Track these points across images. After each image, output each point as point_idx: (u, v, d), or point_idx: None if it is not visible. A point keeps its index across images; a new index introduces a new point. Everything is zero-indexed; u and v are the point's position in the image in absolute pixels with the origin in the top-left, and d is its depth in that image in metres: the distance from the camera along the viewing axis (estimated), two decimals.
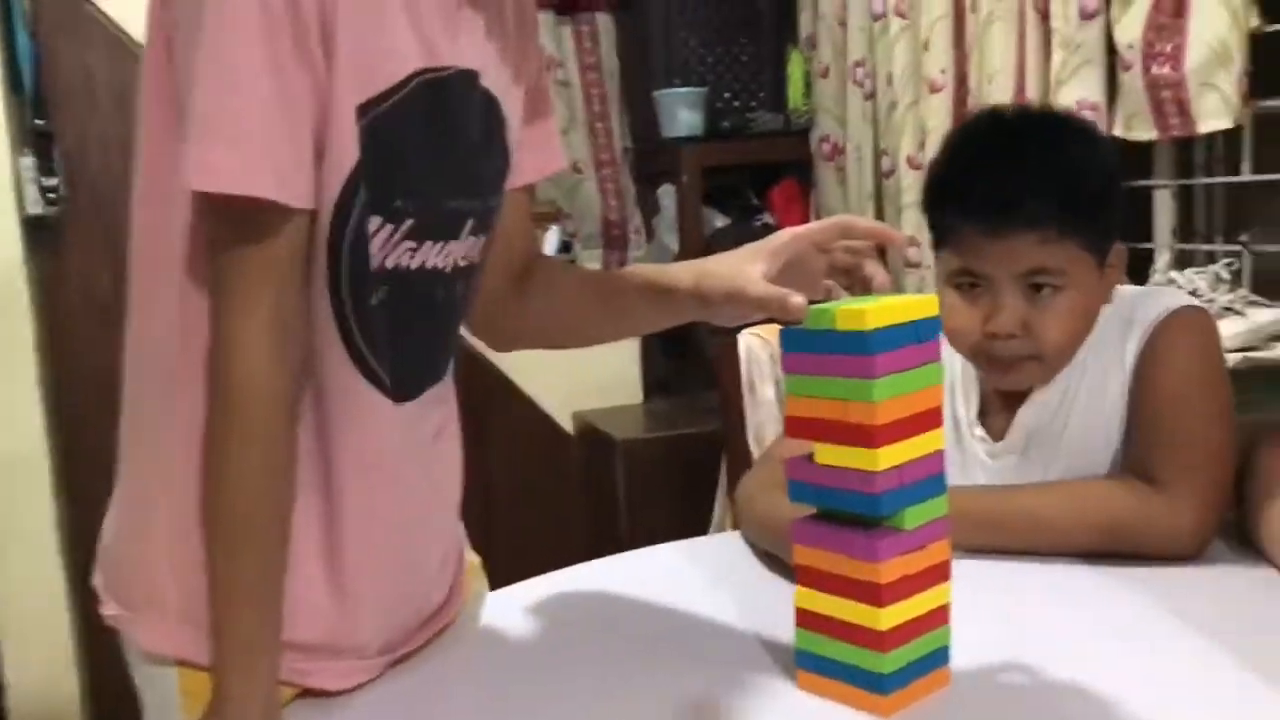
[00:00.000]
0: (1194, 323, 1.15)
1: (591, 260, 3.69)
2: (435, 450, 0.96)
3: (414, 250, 0.87)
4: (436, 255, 0.89)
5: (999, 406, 1.25)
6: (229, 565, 0.80)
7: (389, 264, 0.85)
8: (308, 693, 0.89)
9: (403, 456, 0.91)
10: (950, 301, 1.17)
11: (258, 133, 0.76)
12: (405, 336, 0.89)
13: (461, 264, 0.92)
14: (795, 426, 0.84)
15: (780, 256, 0.89)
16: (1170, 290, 1.28)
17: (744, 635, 0.98)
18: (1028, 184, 1.11)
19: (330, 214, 0.82)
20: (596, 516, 2.81)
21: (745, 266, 0.88)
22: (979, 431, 1.25)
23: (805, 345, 0.83)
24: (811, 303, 0.83)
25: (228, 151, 0.76)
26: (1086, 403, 1.19)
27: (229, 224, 0.78)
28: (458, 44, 0.88)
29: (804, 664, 0.86)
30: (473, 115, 0.91)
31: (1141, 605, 0.99)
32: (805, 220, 3.42)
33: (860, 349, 0.79)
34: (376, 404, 0.88)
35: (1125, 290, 1.21)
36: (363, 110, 0.81)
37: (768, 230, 3.66)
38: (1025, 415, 1.22)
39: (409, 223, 0.85)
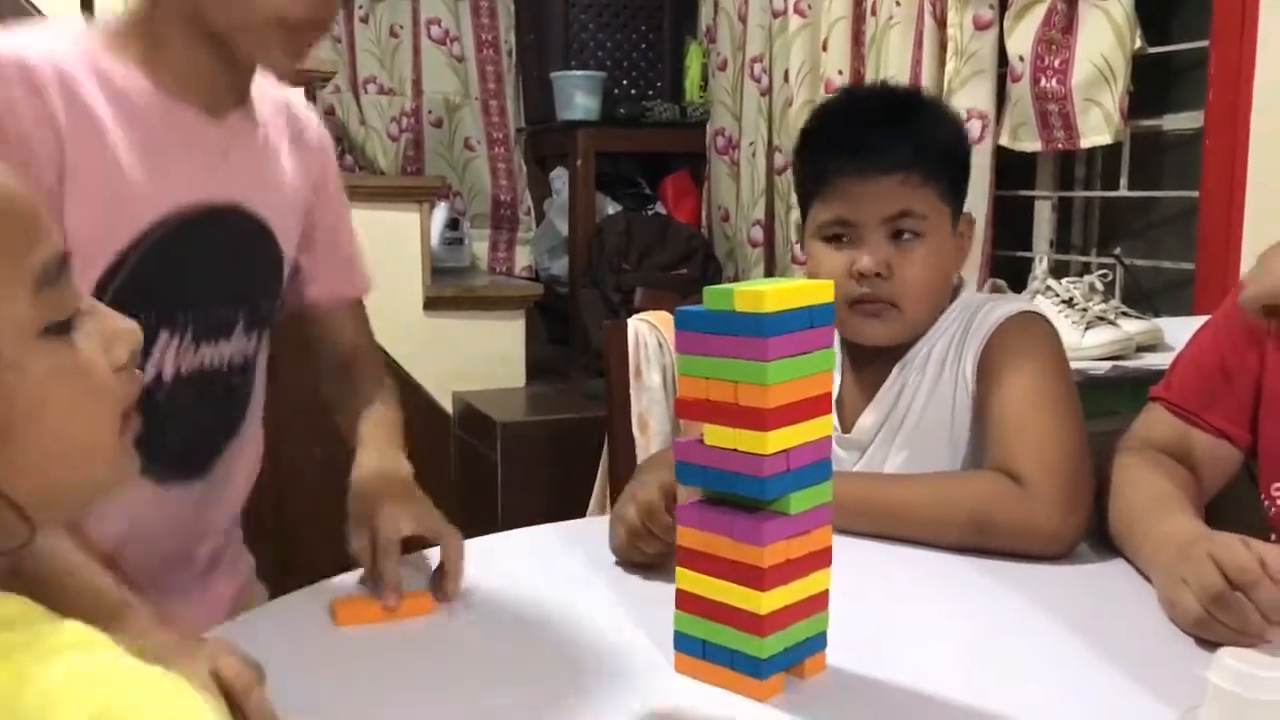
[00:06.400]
0: (1035, 327, 1.21)
1: (480, 239, 3.64)
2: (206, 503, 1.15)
3: (193, 351, 1.06)
4: (212, 354, 1.08)
5: (851, 398, 1.29)
6: None
7: (169, 369, 1.04)
8: None
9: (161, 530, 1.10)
10: (820, 251, 1.24)
11: None
12: (188, 426, 1.08)
13: (238, 360, 1.12)
14: (686, 407, 0.83)
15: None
16: (1010, 297, 1.34)
17: (620, 617, 0.96)
18: (893, 131, 1.21)
19: None
20: (473, 499, 2.77)
21: (386, 509, 1.03)
22: (833, 420, 1.28)
23: (700, 325, 0.82)
24: (710, 283, 0.82)
25: None
26: (925, 400, 1.23)
27: None
28: (217, 178, 1.05)
29: (681, 647, 0.85)
30: (235, 237, 1.08)
31: (1015, 598, 1.01)
32: (697, 212, 3.44)
33: (755, 331, 0.78)
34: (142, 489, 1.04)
35: (968, 295, 1.28)
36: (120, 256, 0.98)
37: (659, 220, 3.65)
38: (871, 409, 1.26)
39: (190, 329, 1.05)
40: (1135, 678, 0.85)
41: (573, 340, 3.24)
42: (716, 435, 0.81)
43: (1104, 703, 0.82)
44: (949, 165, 1.25)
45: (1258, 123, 1.86)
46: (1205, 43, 1.97)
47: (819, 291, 0.82)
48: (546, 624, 0.97)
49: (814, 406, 0.82)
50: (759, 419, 0.78)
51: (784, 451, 0.80)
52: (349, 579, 1.04)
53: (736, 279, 3.10)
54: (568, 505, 2.11)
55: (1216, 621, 0.88)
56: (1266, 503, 1.12)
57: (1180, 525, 1.01)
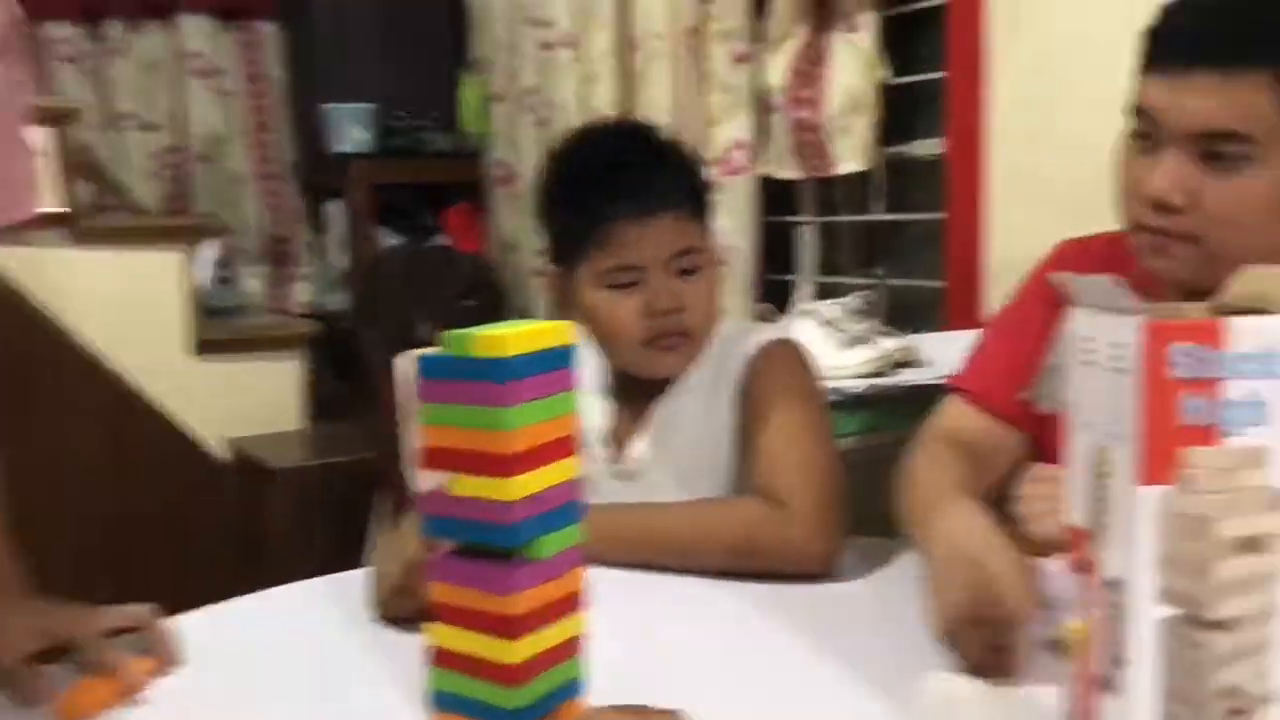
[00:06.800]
0: (788, 353, 1.26)
1: (256, 277, 3.51)
2: None
3: None
4: None
5: (619, 431, 1.31)
6: None
7: None
8: None
9: None
10: (607, 300, 1.23)
11: None
12: None
13: None
14: (430, 457, 0.82)
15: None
16: (761, 325, 1.39)
17: (379, 674, 0.94)
18: (663, 172, 1.24)
19: None
20: (248, 551, 2.65)
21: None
22: (603, 452, 1.30)
23: (442, 372, 0.80)
24: (446, 329, 0.81)
25: None
26: (692, 428, 1.27)
27: None
28: None
29: (439, 704, 0.83)
30: None
31: (777, 621, 1.03)
32: (481, 243, 3.42)
33: (498, 376, 0.77)
34: None
35: (725, 326, 1.31)
36: None
37: (443, 252, 3.60)
38: (640, 438, 1.28)
39: None
40: (880, 698, 0.87)
41: (357, 376, 3.16)
42: (462, 484, 0.80)
43: None
44: (708, 197, 1.29)
45: (994, 147, 1.99)
46: (944, 74, 2.09)
47: (561, 333, 0.82)
48: (299, 687, 0.93)
49: (560, 449, 0.82)
50: (504, 465, 0.77)
51: (531, 496, 0.79)
52: None
53: (526, 310, 3.10)
54: (350, 551, 2.05)
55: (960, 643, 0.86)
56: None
57: (955, 523, 0.96)
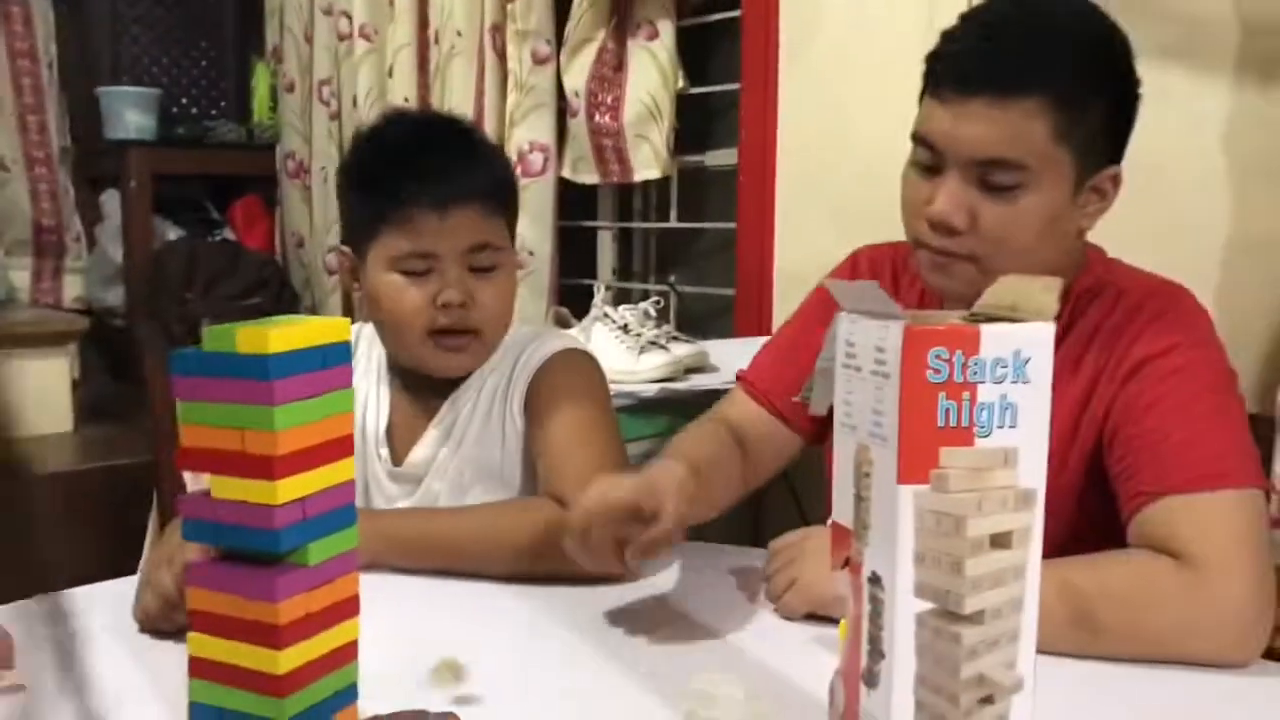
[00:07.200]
0: (577, 362, 1.27)
1: (20, 269, 3.28)
2: None
3: None
4: None
5: (403, 430, 1.28)
6: None
7: None
8: None
9: None
10: (396, 285, 1.20)
11: None
12: None
13: None
14: (189, 458, 0.77)
15: None
16: (555, 333, 1.39)
17: (138, 685, 0.88)
18: (469, 162, 1.21)
19: None
20: (15, 559, 2.47)
21: None
22: (384, 452, 1.27)
23: (201, 368, 0.76)
24: (285, 313, 0.77)
25: None
26: (478, 433, 1.25)
27: None
28: None
29: (198, 717, 0.79)
30: None
31: (559, 624, 1.03)
32: (270, 238, 3.29)
33: (261, 374, 0.74)
34: None
35: (514, 332, 1.30)
36: None
37: (228, 246, 3.47)
38: (424, 442, 1.26)
39: None
40: (656, 695, 0.88)
41: (131, 377, 2.99)
42: (224, 486, 0.76)
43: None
44: (512, 198, 1.28)
45: (782, 160, 2.05)
46: (738, 85, 2.14)
47: (333, 330, 0.79)
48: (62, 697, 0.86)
49: (333, 450, 0.79)
50: (268, 467, 0.74)
51: (298, 500, 0.76)
52: None
53: (314, 308, 3.00)
54: (123, 559, 1.93)
55: None
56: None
57: (655, 466, 1.04)
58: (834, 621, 0.94)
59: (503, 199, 1.24)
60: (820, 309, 1.24)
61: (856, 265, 1.27)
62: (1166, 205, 1.48)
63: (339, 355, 0.79)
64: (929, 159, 1.05)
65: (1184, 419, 1.00)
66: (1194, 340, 1.04)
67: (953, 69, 1.03)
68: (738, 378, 1.30)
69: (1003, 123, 0.99)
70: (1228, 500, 0.95)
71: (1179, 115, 1.49)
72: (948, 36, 1.06)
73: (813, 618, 1.01)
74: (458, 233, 1.18)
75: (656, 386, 1.74)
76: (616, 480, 0.99)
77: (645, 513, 0.96)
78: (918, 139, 1.06)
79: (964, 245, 1.04)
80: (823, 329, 1.19)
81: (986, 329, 0.65)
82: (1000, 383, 0.65)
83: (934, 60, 1.06)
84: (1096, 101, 1.01)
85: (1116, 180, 1.06)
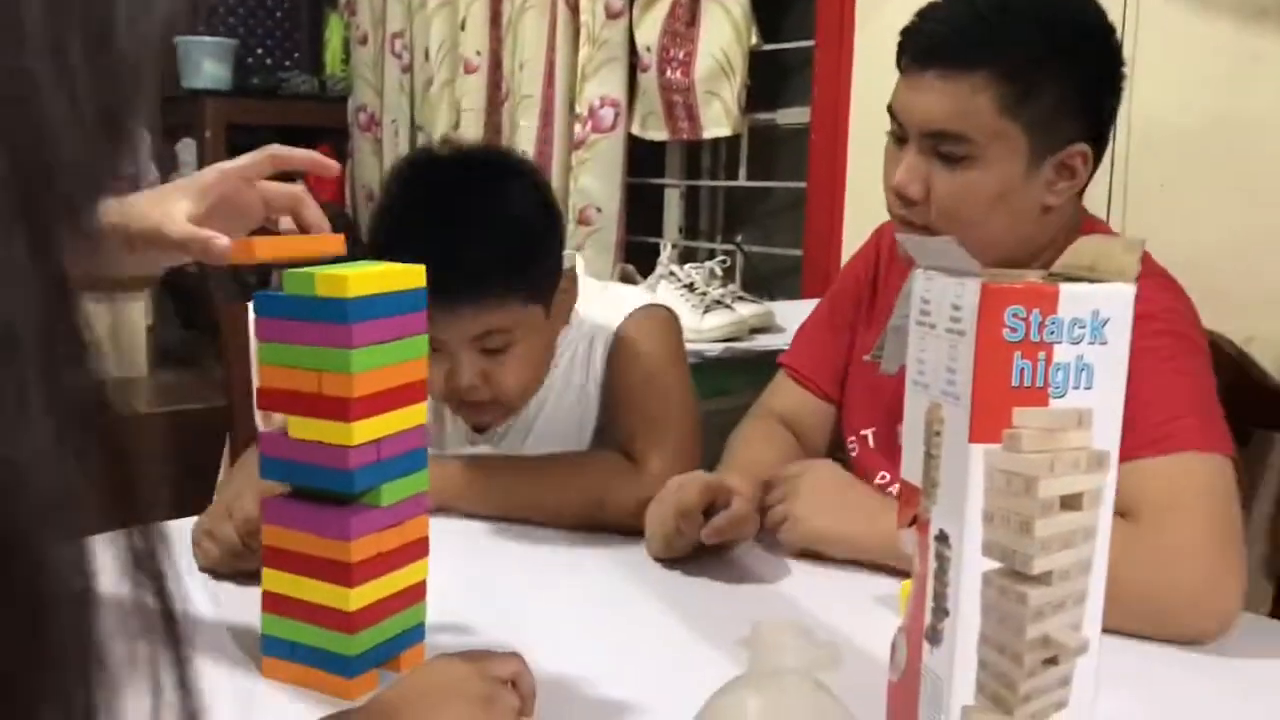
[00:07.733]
0: (654, 319, 1.25)
1: None
2: None
3: None
4: None
5: None
6: None
7: None
8: None
9: None
10: None
11: None
12: None
13: None
14: (268, 398, 0.79)
15: (208, 195, 0.85)
16: (634, 292, 1.38)
17: (216, 622, 0.91)
18: (480, 253, 1.11)
19: None
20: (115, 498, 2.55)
21: (167, 205, 0.82)
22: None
23: (281, 310, 0.78)
24: (292, 267, 0.78)
25: None
26: (556, 402, 1.25)
27: None
28: None
29: (269, 650, 0.81)
30: None
31: (620, 575, 1.04)
32: (341, 192, 3.33)
33: (339, 317, 0.75)
34: None
35: (589, 323, 1.25)
36: None
37: None
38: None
39: None
40: (682, 658, 0.89)
41: (200, 321, 3.05)
42: (300, 427, 0.77)
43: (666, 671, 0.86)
44: (535, 266, 1.16)
45: (855, 119, 2.02)
46: (812, 42, 2.11)
47: (409, 276, 0.80)
48: None
49: (406, 394, 0.80)
50: (343, 409, 0.76)
51: (373, 442, 0.77)
52: None
53: None
54: (196, 503, 1.98)
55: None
56: (851, 447, 1.24)
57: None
58: (826, 558, 1.04)
59: (517, 279, 1.14)
60: (849, 288, 1.28)
61: (881, 240, 1.27)
62: (1262, 163, 1.45)
63: (415, 301, 0.81)
64: (898, 131, 1.09)
65: (1148, 386, 0.97)
66: (1167, 315, 1.02)
67: (912, 43, 1.07)
68: (779, 363, 1.31)
69: (950, 95, 1.03)
70: (1186, 462, 0.95)
71: (1273, 76, 1.45)
72: (919, 13, 1.09)
73: (808, 555, 1.06)
74: (463, 323, 1.12)
75: (721, 346, 1.74)
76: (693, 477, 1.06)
77: (717, 505, 1.03)
78: (890, 111, 1.10)
79: (921, 215, 1.07)
80: (852, 305, 1.26)
81: (1065, 288, 0.64)
82: (1077, 343, 0.64)
83: (903, 34, 1.09)
84: (1050, 78, 1.03)
85: (1086, 158, 1.07)
